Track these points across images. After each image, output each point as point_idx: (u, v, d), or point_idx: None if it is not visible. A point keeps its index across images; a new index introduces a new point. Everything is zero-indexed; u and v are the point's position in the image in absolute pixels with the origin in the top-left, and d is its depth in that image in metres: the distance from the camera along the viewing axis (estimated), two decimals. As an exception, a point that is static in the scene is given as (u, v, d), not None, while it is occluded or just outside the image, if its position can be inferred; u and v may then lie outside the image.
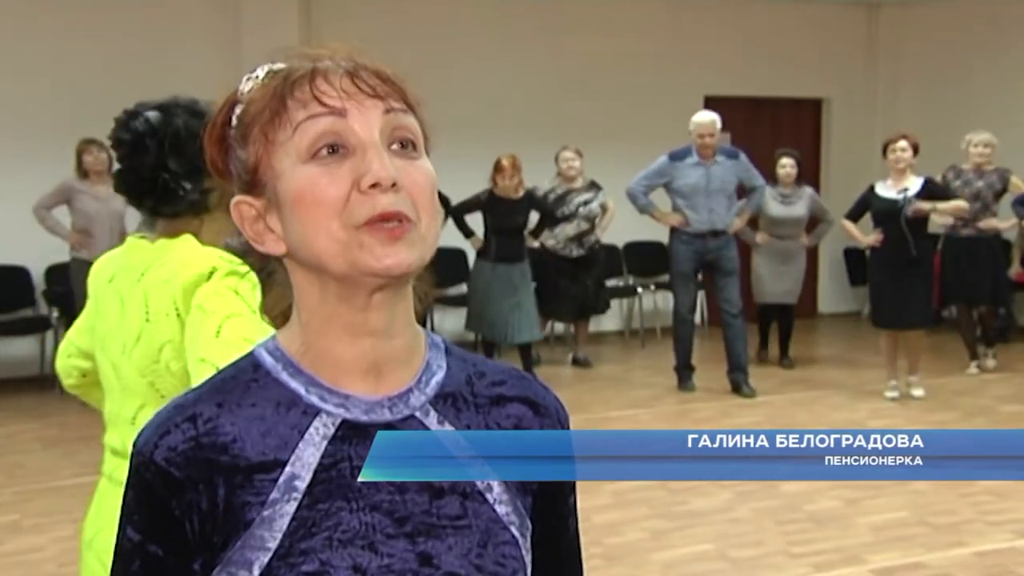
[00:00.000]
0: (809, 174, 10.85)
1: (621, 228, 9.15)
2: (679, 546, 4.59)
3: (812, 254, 10.81)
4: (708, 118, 7.34)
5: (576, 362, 8.64)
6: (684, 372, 7.64)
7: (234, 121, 1.04)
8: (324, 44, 1.05)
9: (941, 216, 7.31)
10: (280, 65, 1.04)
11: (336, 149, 0.99)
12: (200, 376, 1.71)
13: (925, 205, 6.93)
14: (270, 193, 1.02)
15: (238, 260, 1.84)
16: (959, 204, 7.21)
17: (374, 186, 0.97)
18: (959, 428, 6.52)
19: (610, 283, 9.78)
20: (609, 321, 10.08)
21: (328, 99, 0.99)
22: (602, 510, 4.99)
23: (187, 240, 2.00)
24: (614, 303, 9.99)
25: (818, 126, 11.02)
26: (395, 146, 1.01)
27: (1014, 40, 9.77)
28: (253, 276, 1.84)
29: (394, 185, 0.98)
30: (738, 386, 7.47)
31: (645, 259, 9.72)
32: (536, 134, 8.80)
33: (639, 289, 9.57)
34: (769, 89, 10.44)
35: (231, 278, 1.86)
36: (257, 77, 1.04)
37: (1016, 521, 4.88)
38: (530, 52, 9.36)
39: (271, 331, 1.84)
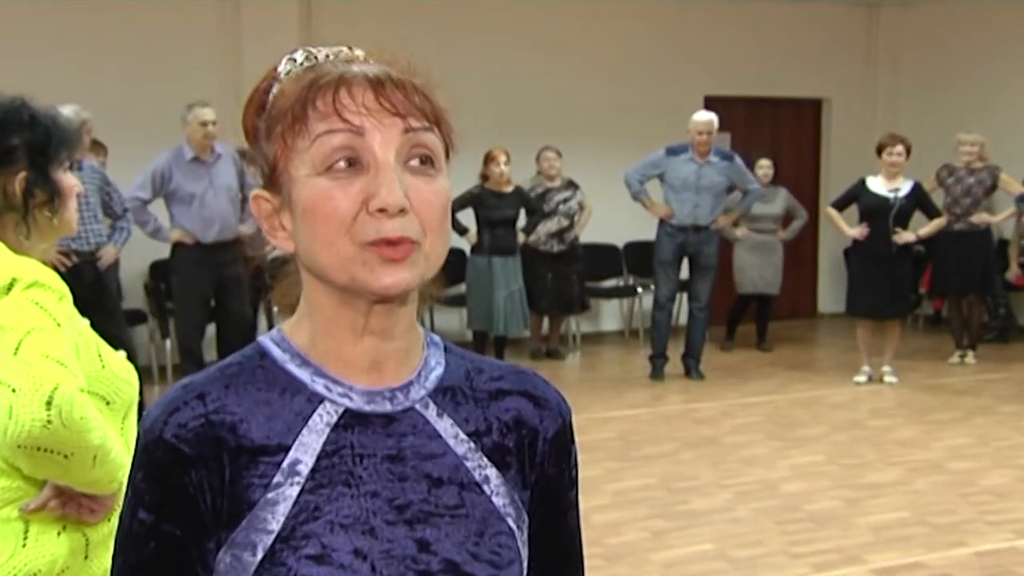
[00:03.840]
0: (809, 174, 10.89)
1: (621, 228, 9.16)
2: (679, 546, 4.59)
3: (812, 255, 10.87)
4: (706, 117, 7.74)
5: (550, 354, 8.85)
6: (658, 361, 8.03)
7: (270, 100, 1.05)
8: (361, 45, 1.05)
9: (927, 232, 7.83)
10: (320, 51, 1.05)
11: (351, 164, 0.99)
12: None
13: (910, 236, 7.50)
14: (285, 195, 1.03)
15: (46, 270, 1.79)
16: (939, 223, 7.75)
17: (381, 210, 0.98)
18: (959, 427, 6.54)
19: (610, 283, 9.82)
20: (609, 321, 10.10)
21: (348, 114, 0.99)
22: (602, 510, 4.99)
23: None
24: (614, 303, 10.04)
25: (818, 126, 11.02)
26: (413, 162, 1.01)
27: (1014, 40, 9.76)
28: (61, 287, 1.78)
29: (402, 210, 0.98)
30: (689, 370, 8.03)
31: (645, 259, 9.69)
32: (537, 133, 8.81)
33: (639, 289, 9.57)
34: (769, 89, 10.44)
35: (34, 290, 1.73)
36: (296, 60, 1.05)
37: (1016, 521, 4.88)
38: (531, 52, 9.36)
39: (90, 340, 1.80)
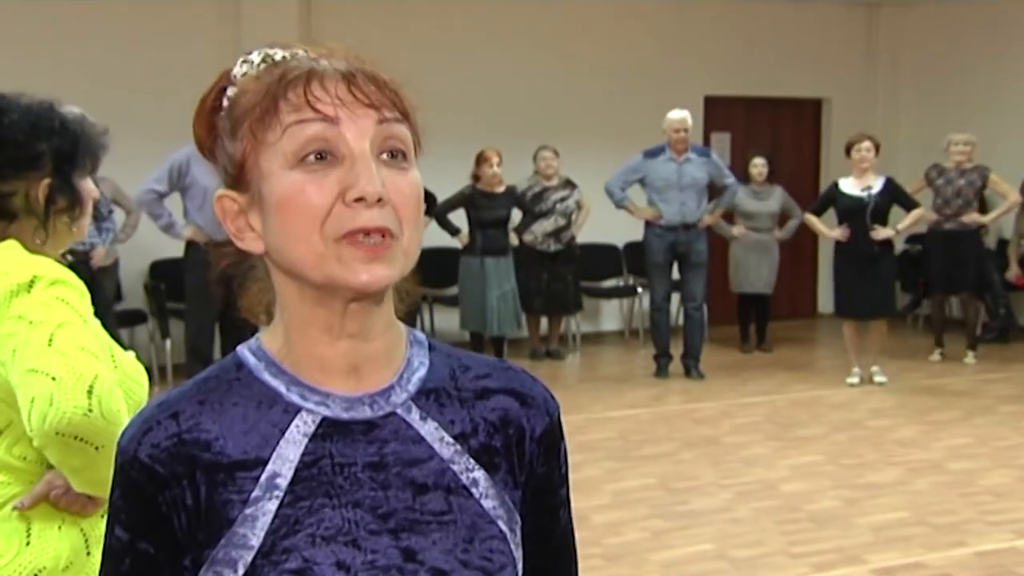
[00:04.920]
0: (809, 174, 10.89)
1: (621, 228, 9.16)
2: (679, 546, 4.59)
3: (812, 255, 10.86)
4: (680, 115, 7.83)
5: (549, 355, 8.85)
6: (662, 360, 8.10)
7: (225, 103, 1.03)
8: (323, 43, 1.03)
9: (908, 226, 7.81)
10: (277, 52, 1.02)
11: (324, 156, 0.97)
12: (29, 389, 1.62)
13: (889, 232, 7.48)
14: (254, 191, 1.01)
15: (65, 268, 1.80)
16: (918, 213, 7.68)
17: (359, 200, 0.96)
18: (959, 427, 6.53)
19: (609, 283, 9.82)
20: (609, 321, 10.09)
21: (321, 105, 0.97)
22: (602, 510, 4.98)
23: (7, 247, 1.83)
24: (614, 303, 10.04)
25: (818, 126, 11.01)
26: (385, 156, 0.99)
27: (1013, 40, 9.76)
28: (80, 284, 1.78)
29: (380, 200, 0.96)
30: (688, 370, 8.06)
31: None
32: (536, 133, 8.80)
33: (639, 289, 9.57)
34: (769, 89, 10.44)
35: (56, 287, 1.74)
36: (252, 62, 1.02)
37: (1016, 521, 4.88)
38: (530, 51, 9.36)
39: (105, 341, 1.81)
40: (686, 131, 7.78)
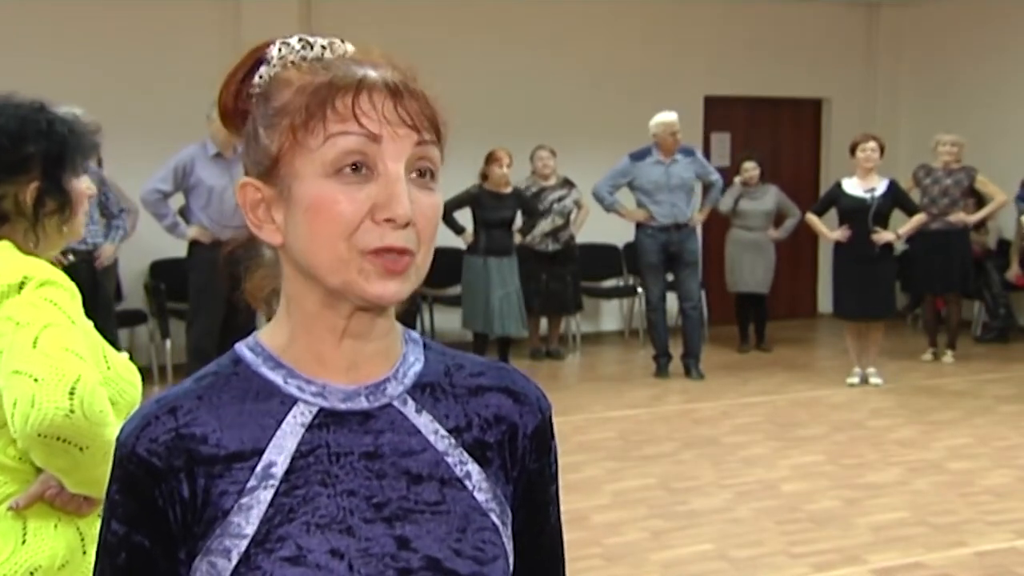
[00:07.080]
0: (809, 174, 10.90)
1: (620, 228, 9.16)
2: (679, 546, 4.59)
3: (812, 255, 10.86)
4: (673, 116, 7.92)
5: (549, 355, 8.87)
6: (661, 359, 8.13)
7: (259, 82, 1.04)
8: (369, 48, 1.05)
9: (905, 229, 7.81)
10: (318, 41, 1.04)
11: (360, 168, 0.99)
12: (13, 390, 1.63)
13: (890, 235, 7.46)
14: (284, 188, 1.03)
15: (56, 269, 1.80)
16: (919, 219, 7.75)
17: (388, 220, 0.99)
18: (958, 427, 6.54)
19: (609, 283, 9.83)
20: (609, 321, 10.10)
21: (366, 121, 0.99)
22: (602, 510, 4.97)
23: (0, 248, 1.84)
24: (614, 303, 10.04)
25: (818, 126, 11.02)
26: (414, 174, 1.02)
27: (1013, 40, 9.76)
28: (71, 286, 1.78)
29: (407, 224, 0.99)
30: (688, 369, 8.07)
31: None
32: (536, 133, 8.81)
33: (639, 289, 9.56)
34: (769, 89, 10.44)
35: (46, 288, 1.74)
36: (289, 45, 1.04)
37: (1016, 521, 4.88)
38: (530, 51, 9.36)
39: (96, 342, 1.81)
40: (680, 132, 7.84)
